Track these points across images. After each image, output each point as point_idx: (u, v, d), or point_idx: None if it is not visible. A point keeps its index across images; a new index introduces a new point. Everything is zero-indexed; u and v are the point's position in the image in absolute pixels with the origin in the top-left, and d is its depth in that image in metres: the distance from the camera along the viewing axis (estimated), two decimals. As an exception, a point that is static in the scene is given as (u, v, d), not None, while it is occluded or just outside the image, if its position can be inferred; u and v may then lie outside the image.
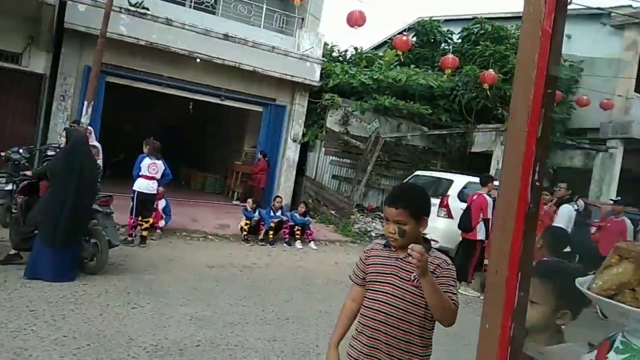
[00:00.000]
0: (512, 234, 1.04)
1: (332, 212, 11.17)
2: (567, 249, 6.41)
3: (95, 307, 4.67)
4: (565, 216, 6.38)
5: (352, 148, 12.30)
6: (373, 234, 10.61)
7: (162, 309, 4.83)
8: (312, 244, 9.13)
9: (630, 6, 14.17)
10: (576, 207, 6.71)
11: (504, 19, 16.97)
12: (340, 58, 15.54)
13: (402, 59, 12.21)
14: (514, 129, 1.08)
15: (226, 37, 10.86)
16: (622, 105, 14.34)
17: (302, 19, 12.35)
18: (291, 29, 12.42)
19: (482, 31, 15.69)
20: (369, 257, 2.07)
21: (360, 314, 2.05)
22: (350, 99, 12.65)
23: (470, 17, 17.49)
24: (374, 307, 1.97)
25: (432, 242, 2.06)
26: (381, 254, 2.04)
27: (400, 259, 1.97)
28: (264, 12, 12.04)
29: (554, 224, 6.42)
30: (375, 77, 12.48)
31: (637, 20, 14.23)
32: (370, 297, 2.01)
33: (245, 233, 8.78)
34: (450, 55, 11.38)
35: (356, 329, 2.05)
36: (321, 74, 12.15)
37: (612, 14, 14.71)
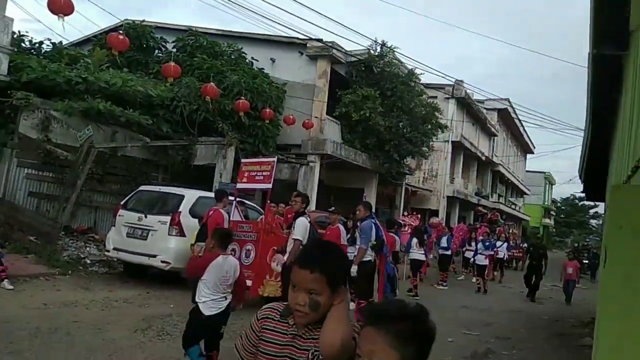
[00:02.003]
0: None
1: (32, 238, 8.92)
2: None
3: None
4: (302, 227, 6.69)
5: (55, 159, 10.18)
6: (88, 261, 8.98)
7: None
8: (5, 283, 7.01)
9: (321, 40, 16.54)
10: (309, 218, 7.15)
11: (216, 35, 17.42)
12: (33, 51, 12.88)
13: (118, 60, 10.87)
14: None
15: None
16: (318, 125, 16.60)
17: (-20, -4, 9.64)
18: (-36, 6, 9.53)
19: (198, 44, 15.66)
20: (263, 329, 1.65)
21: None
22: (50, 100, 10.50)
23: (184, 28, 17.26)
24: None
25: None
26: (277, 327, 1.63)
27: (299, 336, 1.59)
28: None
29: (293, 236, 6.68)
30: (84, 76, 10.73)
31: (326, 53, 16.75)
32: None
33: None
34: (172, 63, 10.74)
35: None
36: (9, 67, 9.72)
37: (308, 45, 16.88)
